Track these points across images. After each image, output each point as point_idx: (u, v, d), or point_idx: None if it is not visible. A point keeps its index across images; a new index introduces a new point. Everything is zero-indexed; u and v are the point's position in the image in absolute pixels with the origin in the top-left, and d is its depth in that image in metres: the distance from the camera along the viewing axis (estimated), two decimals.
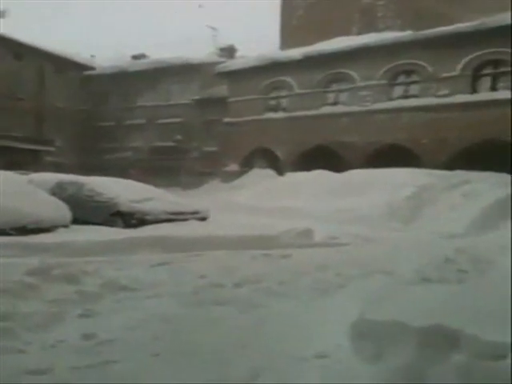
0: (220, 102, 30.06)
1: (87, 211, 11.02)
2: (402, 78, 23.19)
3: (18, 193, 8.89)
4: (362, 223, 12.41)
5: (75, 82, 36.12)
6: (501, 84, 20.22)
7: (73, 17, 76.91)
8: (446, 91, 21.25)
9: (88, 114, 36.80)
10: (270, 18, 33.68)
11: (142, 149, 35.34)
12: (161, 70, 34.57)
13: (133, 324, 3.98)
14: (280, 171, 24.48)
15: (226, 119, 28.56)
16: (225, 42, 36.49)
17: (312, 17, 28.53)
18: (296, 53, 25.36)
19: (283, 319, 4.16)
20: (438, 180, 15.71)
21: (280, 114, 26.61)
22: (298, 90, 25.88)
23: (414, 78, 22.67)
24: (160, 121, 35.28)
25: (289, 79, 26.21)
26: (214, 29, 37.67)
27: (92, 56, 38.65)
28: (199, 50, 34.93)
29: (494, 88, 20.45)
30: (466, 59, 20.68)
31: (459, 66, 20.84)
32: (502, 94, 19.51)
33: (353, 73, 24.00)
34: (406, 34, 22.59)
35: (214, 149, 31.75)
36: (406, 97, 22.80)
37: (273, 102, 27.30)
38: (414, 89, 22.70)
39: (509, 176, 14.76)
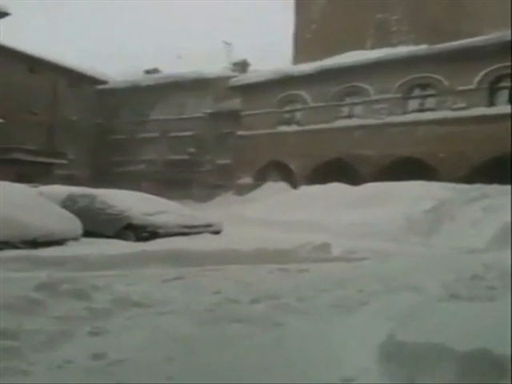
0: (233, 116, 30.09)
1: (99, 224, 10.85)
2: (417, 92, 22.99)
3: (27, 205, 8.69)
4: (380, 237, 12.15)
5: (88, 96, 36.37)
6: None
7: (85, 28, 77.93)
8: (462, 104, 20.98)
9: (101, 128, 37.01)
10: (283, 32, 33.83)
11: (155, 162, 35.39)
12: (174, 84, 34.71)
13: (144, 343, 3.73)
14: (294, 184, 24.26)
15: (240, 132, 28.51)
16: (238, 56, 36.74)
17: (326, 31, 28.57)
18: (310, 67, 25.31)
19: (304, 339, 3.88)
20: (456, 194, 15.39)
21: (293, 128, 26.52)
22: (311, 104, 25.75)
23: (430, 91, 22.44)
24: (173, 134, 35.31)
25: (302, 93, 26.12)
26: (227, 44, 37.94)
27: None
28: (213, 65, 35.14)
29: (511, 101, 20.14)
30: (484, 72, 20.45)
31: (476, 79, 20.60)
32: None
33: (367, 86, 23.89)
34: (421, 48, 22.47)
35: (227, 161, 31.70)
36: (421, 110, 22.57)
37: (286, 116, 27.26)
38: (429, 102, 22.47)
39: None
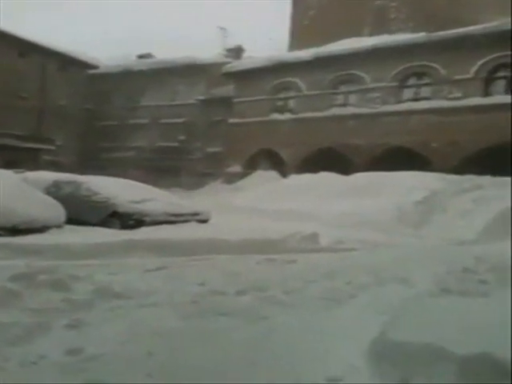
0: (225, 103, 29.81)
1: (84, 211, 10.67)
2: (412, 81, 22.82)
3: (8, 191, 8.43)
4: (370, 227, 12.04)
5: (79, 81, 35.87)
6: None
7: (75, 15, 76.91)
8: (458, 94, 20.84)
9: (91, 113, 36.59)
10: (279, 18, 33.50)
11: (145, 148, 35.07)
12: (166, 70, 34.30)
13: (124, 337, 3.55)
14: (284, 173, 24.09)
15: (231, 120, 28.21)
16: (233, 42, 36.34)
17: (323, 17, 28.28)
18: (305, 53, 25.02)
19: (291, 333, 3.72)
20: (448, 184, 15.32)
21: (286, 116, 26.28)
22: (306, 92, 25.51)
23: (426, 80, 22.28)
24: (164, 120, 34.96)
25: (297, 80, 25.85)
26: (223, 29, 37.54)
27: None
28: (206, 50, 34.74)
29: (508, 91, 20.02)
30: (482, 61, 20.28)
31: (474, 69, 20.43)
32: None
33: (363, 74, 23.68)
34: (419, 36, 22.24)
35: (217, 149, 31.45)
36: (416, 99, 22.42)
37: (279, 103, 26.99)
38: (425, 91, 22.33)
39: None
